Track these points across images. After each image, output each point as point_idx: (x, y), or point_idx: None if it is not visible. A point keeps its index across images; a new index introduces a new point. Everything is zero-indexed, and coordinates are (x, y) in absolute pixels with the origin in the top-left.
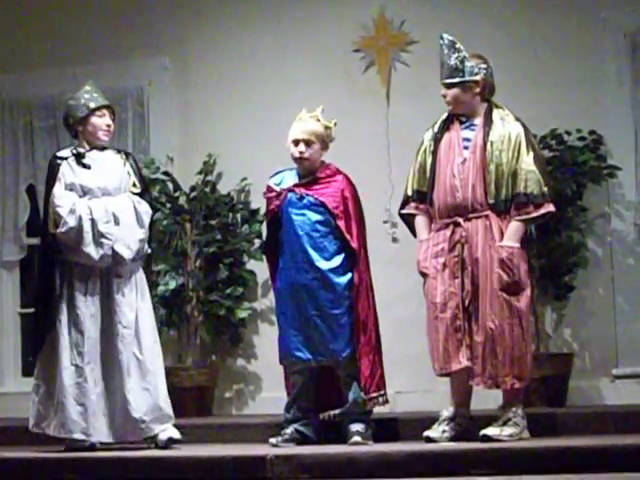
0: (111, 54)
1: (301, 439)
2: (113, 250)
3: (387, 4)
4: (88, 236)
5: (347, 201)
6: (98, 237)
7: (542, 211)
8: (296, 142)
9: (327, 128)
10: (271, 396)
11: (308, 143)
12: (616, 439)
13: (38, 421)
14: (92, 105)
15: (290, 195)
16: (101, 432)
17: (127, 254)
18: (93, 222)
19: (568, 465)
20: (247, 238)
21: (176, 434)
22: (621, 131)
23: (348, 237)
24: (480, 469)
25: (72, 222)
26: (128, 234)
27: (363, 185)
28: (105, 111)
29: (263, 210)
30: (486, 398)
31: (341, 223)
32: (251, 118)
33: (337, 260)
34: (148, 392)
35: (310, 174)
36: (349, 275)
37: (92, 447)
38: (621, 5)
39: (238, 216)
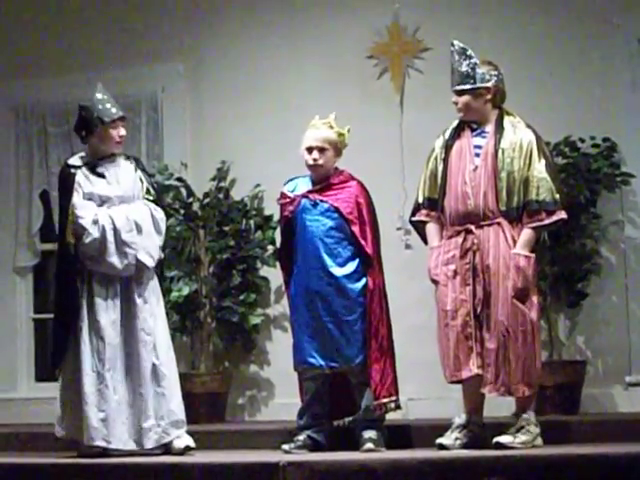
0: (125, 60)
1: (314, 446)
2: (136, 259)
3: (401, 11)
4: (112, 246)
5: (361, 207)
6: (122, 246)
7: (554, 218)
8: (310, 149)
9: (340, 135)
10: (284, 402)
11: (321, 150)
12: (629, 447)
13: (66, 427)
14: (106, 120)
15: (304, 201)
16: (120, 439)
17: (150, 262)
18: (116, 232)
19: (581, 473)
20: (260, 244)
21: (192, 442)
22: (635, 138)
23: (363, 242)
24: (493, 477)
25: (96, 233)
26: (149, 242)
27: (376, 192)
28: (118, 122)
29: (276, 216)
30: (499, 405)
31: (355, 229)
32: (264, 124)
33: (351, 266)
34: (164, 397)
35: (324, 180)
36: (363, 281)
37: (104, 453)
38: (634, 11)
39: (251, 222)
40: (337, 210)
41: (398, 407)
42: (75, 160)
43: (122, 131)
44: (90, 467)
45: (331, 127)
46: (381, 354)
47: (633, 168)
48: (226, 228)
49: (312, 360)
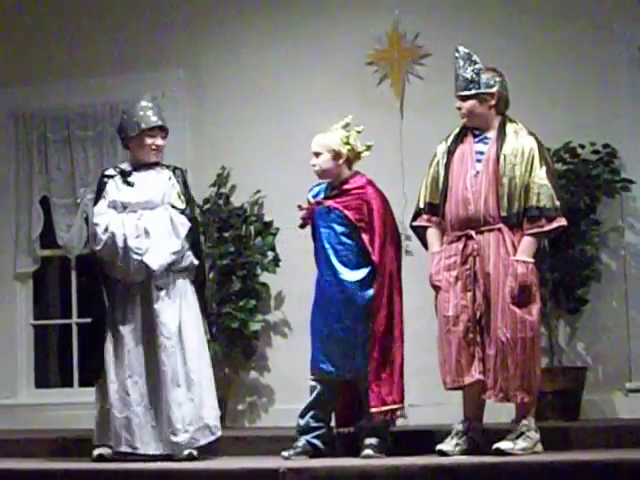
0: (125, 66)
1: (313, 451)
2: (143, 262)
3: (400, 17)
4: (121, 252)
5: (372, 213)
6: (128, 252)
7: (554, 225)
8: (312, 155)
9: (344, 138)
10: (284, 409)
11: (317, 155)
12: (630, 453)
13: (99, 437)
14: (143, 126)
15: (319, 208)
16: (149, 444)
17: (155, 265)
18: (125, 238)
19: (581, 479)
20: (260, 250)
21: (194, 450)
22: (635, 144)
23: (370, 250)
24: None
25: (106, 239)
26: (159, 246)
27: None
28: (157, 130)
29: (276, 222)
30: (499, 411)
31: (365, 236)
32: (264, 130)
33: (361, 274)
34: (192, 403)
35: (339, 186)
36: (373, 290)
37: (127, 459)
38: (634, 18)
39: (251, 228)
40: (347, 217)
41: (402, 416)
42: (110, 170)
43: (159, 140)
44: (91, 473)
45: (334, 131)
46: (384, 362)
47: (633, 174)
48: (226, 234)
49: (323, 366)
